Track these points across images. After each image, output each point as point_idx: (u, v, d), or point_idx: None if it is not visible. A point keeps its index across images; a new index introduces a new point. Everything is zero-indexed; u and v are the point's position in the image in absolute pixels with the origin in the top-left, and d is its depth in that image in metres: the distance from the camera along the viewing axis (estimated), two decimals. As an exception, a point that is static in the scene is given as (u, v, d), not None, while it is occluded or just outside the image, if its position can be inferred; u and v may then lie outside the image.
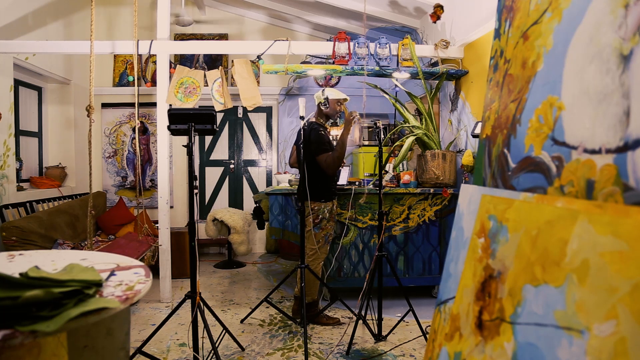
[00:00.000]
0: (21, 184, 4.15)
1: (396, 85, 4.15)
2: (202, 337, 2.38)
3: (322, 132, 3.05)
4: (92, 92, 3.10)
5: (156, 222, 3.80)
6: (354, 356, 2.57)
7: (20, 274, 1.07)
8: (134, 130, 5.44)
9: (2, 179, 3.63)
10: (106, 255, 1.60)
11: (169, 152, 3.72)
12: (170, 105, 3.56)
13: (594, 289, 0.85)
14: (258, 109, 5.75)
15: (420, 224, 3.61)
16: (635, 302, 0.76)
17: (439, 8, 3.72)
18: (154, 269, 3.75)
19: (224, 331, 2.64)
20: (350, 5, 4.48)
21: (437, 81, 3.75)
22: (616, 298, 0.80)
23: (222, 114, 5.69)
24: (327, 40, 4.91)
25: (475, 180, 1.69)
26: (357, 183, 3.59)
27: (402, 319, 2.93)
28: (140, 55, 4.70)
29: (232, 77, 4.63)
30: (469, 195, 1.54)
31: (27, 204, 3.90)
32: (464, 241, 1.48)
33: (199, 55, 5.56)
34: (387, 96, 3.86)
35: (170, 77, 3.63)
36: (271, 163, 5.83)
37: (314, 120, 3.14)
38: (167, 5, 3.59)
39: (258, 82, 5.23)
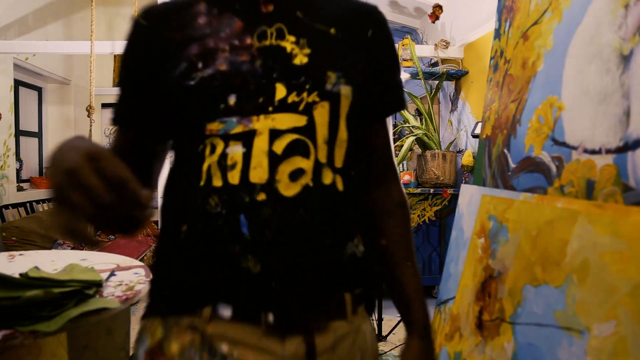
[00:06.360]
0: (21, 184, 4.15)
1: (396, 86, 4.15)
2: (202, 337, 2.37)
3: None
4: (93, 92, 3.10)
5: (156, 222, 3.80)
6: (354, 356, 2.57)
7: (20, 274, 1.07)
8: (134, 130, 5.43)
9: (2, 179, 3.63)
10: (106, 255, 1.60)
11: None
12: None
13: (594, 289, 0.85)
14: (258, 109, 5.74)
15: (420, 224, 3.61)
16: (635, 302, 0.76)
17: (437, 8, 3.72)
18: (154, 269, 3.73)
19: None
20: (350, 5, 4.48)
21: (437, 81, 3.75)
22: (616, 298, 0.80)
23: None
24: (327, 40, 4.90)
25: (475, 180, 1.69)
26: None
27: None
28: (140, 56, 4.70)
29: (232, 77, 4.62)
30: (469, 196, 1.54)
31: (27, 204, 3.90)
32: (464, 241, 1.48)
33: (199, 55, 5.55)
34: (387, 96, 3.85)
35: (170, 77, 3.62)
36: (271, 163, 5.81)
37: None
38: (167, 6, 3.58)
39: (258, 82, 5.21)
